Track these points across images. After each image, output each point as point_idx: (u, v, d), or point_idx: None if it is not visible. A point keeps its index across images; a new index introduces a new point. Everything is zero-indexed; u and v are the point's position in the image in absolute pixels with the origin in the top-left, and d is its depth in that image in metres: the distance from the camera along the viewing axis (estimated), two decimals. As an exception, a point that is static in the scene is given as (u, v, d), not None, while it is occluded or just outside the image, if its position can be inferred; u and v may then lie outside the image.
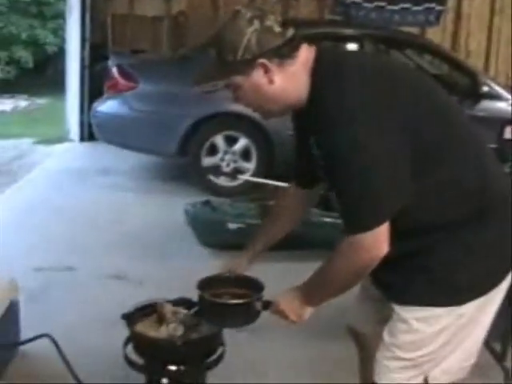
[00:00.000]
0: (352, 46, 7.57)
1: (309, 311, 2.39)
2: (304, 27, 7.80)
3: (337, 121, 2.09)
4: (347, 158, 2.08)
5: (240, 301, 2.49)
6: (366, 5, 9.34)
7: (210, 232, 5.43)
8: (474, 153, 2.30)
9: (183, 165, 7.46)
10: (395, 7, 9.38)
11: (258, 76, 2.18)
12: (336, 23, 8.73)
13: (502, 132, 5.65)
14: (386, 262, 2.24)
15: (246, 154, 7.11)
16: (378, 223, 2.11)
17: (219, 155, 7.08)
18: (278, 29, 2.17)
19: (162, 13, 9.61)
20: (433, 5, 9.45)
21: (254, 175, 6.89)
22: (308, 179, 2.60)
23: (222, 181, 7.13)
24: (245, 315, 2.48)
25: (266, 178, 6.37)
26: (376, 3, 9.33)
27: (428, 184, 2.18)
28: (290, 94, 2.22)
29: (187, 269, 4.82)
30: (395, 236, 2.17)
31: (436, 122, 2.23)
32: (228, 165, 7.10)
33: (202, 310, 2.55)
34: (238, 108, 6.89)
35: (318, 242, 4.82)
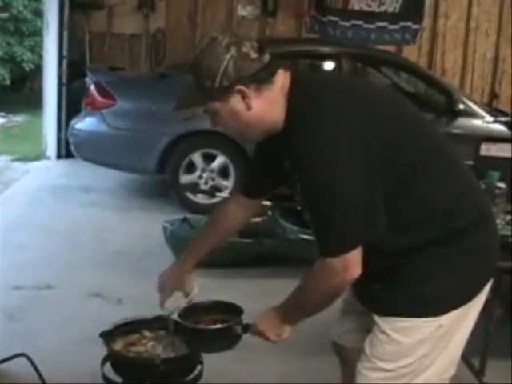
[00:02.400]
0: (329, 64, 7.63)
1: (288, 330, 2.44)
2: (281, 45, 7.85)
3: (310, 152, 2.13)
4: (320, 187, 2.13)
5: (220, 326, 2.53)
6: (343, 23, 9.40)
7: (188, 249, 5.41)
8: (450, 173, 2.34)
9: (161, 182, 7.45)
10: (372, 26, 9.45)
11: (235, 102, 2.22)
12: (313, 41, 8.78)
13: (477, 149, 5.70)
14: (366, 276, 2.28)
15: (224, 172, 7.12)
16: (349, 249, 2.16)
17: (197, 173, 7.09)
18: (254, 55, 2.20)
19: (140, 30, 9.61)
20: (409, 23, 9.54)
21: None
22: (258, 191, 2.66)
23: (200, 198, 7.11)
24: (226, 339, 2.53)
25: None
26: (353, 21, 9.40)
27: (402, 208, 2.24)
28: (267, 119, 2.26)
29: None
30: (372, 253, 2.21)
31: (411, 146, 2.27)
32: (206, 182, 7.10)
33: (184, 338, 2.59)
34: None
35: (295, 258, 4.83)
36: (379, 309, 2.35)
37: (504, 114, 7.64)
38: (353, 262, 2.17)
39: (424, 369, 2.33)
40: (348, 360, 2.68)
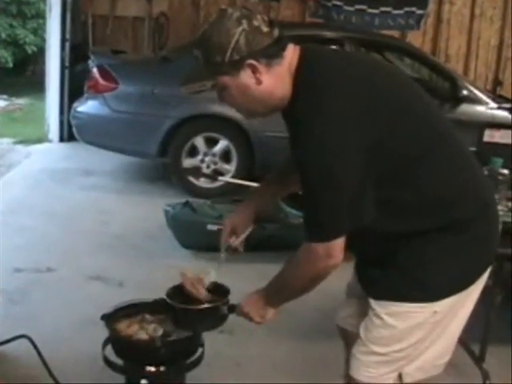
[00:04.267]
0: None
1: (271, 312, 2.48)
2: (285, 29, 7.78)
3: (308, 132, 2.12)
4: (313, 166, 2.13)
5: (207, 305, 2.56)
6: (347, 8, 9.37)
7: (189, 233, 5.41)
8: (455, 162, 2.32)
9: (163, 166, 7.44)
10: (376, 11, 9.42)
11: (245, 76, 2.19)
12: (317, 26, 8.75)
13: (481, 135, 5.70)
14: (367, 259, 2.35)
15: (226, 156, 7.11)
16: (334, 236, 2.18)
17: (199, 157, 7.07)
18: (265, 29, 2.18)
19: (143, 14, 9.59)
20: (413, 9, 9.50)
21: (234, 177, 6.90)
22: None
23: (202, 182, 7.11)
24: (212, 319, 2.58)
25: (246, 179, 6.38)
26: (357, 6, 9.37)
27: (402, 194, 2.23)
28: (275, 95, 2.23)
29: (168, 270, 4.82)
30: (372, 236, 2.24)
31: (414, 133, 2.25)
32: (208, 166, 7.09)
33: (173, 317, 2.62)
34: (219, 109, 6.98)
35: (297, 243, 4.83)
36: (375, 292, 2.36)
37: (508, 100, 7.62)
38: (336, 249, 2.19)
39: (418, 354, 2.34)
40: (351, 343, 2.69)
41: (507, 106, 7.14)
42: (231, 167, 7.10)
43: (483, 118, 6.88)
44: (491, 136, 4.47)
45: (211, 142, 7.09)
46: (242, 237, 2.70)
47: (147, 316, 2.71)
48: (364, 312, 2.43)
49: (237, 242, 2.70)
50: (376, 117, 2.16)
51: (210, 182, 7.08)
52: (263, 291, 2.47)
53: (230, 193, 6.42)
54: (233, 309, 2.54)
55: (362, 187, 2.15)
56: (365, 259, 2.42)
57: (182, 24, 9.38)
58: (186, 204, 5.67)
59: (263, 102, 2.26)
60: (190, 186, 7.05)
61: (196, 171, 7.04)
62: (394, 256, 2.29)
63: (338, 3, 9.38)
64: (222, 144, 7.07)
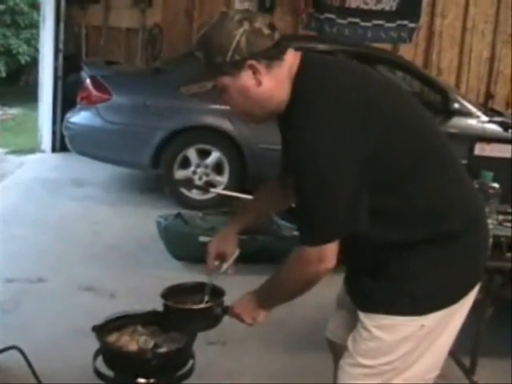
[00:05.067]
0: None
1: (263, 314, 2.50)
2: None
3: (302, 139, 2.14)
4: (306, 174, 2.14)
5: (201, 306, 2.60)
6: (340, 21, 9.40)
7: (181, 245, 5.42)
8: (447, 175, 2.34)
9: (155, 177, 7.45)
10: (368, 24, 9.45)
11: (246, 77, 2.21)
12: (310, 38, 8.78)
13: (472, 148, 5.69)
14: (357, 269, 2.37)
15: (218, 168, 7.12)
16: (326, 240, 2.20)
17: (191, 168, 7.08)
18: (267, 31, 2.19)
19: (137, 25, 9.61)
20: (405, 22, 9.54)
21: (226, 189, 6.91)
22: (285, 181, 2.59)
23: (194, 194, 7.12)
24: (206, 320, 2.60)
25: (238, 191, 6.39)
26: (349, 19, 9.40)
27: (392, 204, 2.25)
28: (273, 98, 2.25)
29: (159, 281, 4.81)
30: (363, 247, 2.26)
31: (407, 144, 2.26)
32: (200, 178, 7.10)
33: (167, 317, 2.64)
34: (211, 121, 6.97)
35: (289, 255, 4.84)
36: (364, 304, 2.36)
37: (499, 114, 7.66)
38: (328, 254, 2.20)
39: (406, 367, 2.33)
40: (339, 356, 2.69)
41: (498, 119, 7.18)
42: (223, 179, 7.11)
43: (474, 131, 6.91)
44: (482, 149, 4.49)
45: (203, 154, 7.10)
46: (230, 261, 2.71)
47: (138, 328, 2.71)
48: (352, 324, 2.43)
49: (225, 267, 2.71)
50: (372, 128, 2.17)
51: (202, 194, 7.09)
52: (255, 294, 2.49)
53: (222, 205, 6.43)
54: (226, 310, 2.57)
55: (357, 196, 2.16)
56: (355, 270, 2.43)
57: (175, 36, 9.39)
58: (178, 215, 5.67)
59: (262, 105, 2.27)
60: (182, 198, 7.05)
61: (188, 183, 7.05)
62: (384, 267, 2.30)
63: (331, 16, 9.41)
64: (215, 156, 7.08)
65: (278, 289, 2.42)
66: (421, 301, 2.28)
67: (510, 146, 4.38)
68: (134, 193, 7.55)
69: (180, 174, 7.09)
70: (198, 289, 2.71)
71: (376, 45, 8.94)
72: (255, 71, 2.19)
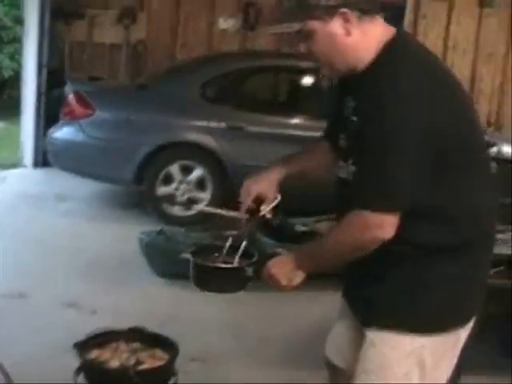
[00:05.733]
0: (310, 79, 7.67)
1: (300, 276, 2.37)
2: (261, 59, 7.90)
3: (389, 101, 2.12)
4: (384, 137, 2.11)
5: (232, 265, 2.51)
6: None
7: (163, 261, 5.40)
8: (487, 180, 2.37)
9: (138, 193, 7.44)
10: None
11: (336, 25, 2.19)
12: (293, 56, 8.80)
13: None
14: (364, 273, 2.32)
15: (201, 184, 7.13)
16: (389, 208, 2.15)
17: (174, 184, 7.08)
18: None
19: (121, 41, 9.62)
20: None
21: (209, 205, 6.91)
22: (334, 140, 2.51)
23: (177, 210, 7.11)
24: (236, 280, 2.52)
25: (221, 208, 6.38)
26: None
27: (426, 197, 2.20)
28: (358, 52, 2.23)
29: (142, 298, 4.82)
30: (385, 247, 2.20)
31: (473, 144, 2.29)
32: (183, 194, 7.10)
33: (195, 276, 2.55)
34: (194, 137, 6.97)
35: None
36: (370, 317, 2.35)
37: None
38: (388, 223, 2.15)
39: None
40: (334, 376, 2.66)
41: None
42: (206, 195, 7.11)
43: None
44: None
45: (186, 170, 7.10)
46: (272, 205, 2.59)
47: (120, 344, 2.71)
48: (354, 342, 2.42)
49: (267, 209, 2.58)
50: (449, 119, 2.18)
51: (185, 210, 7.08)
52: (295, 254, 2.40)
53: (204, 221, 6.43)
54: (258, 271, 2.44)
55: (422, 171, 2.15)
56: (362, 277, 2.37)
57: (159, 52, 9.41)
58: (160, 232, 5.67)
59: (345, 56, 2.24)
60: (165, 214, 7.04)
61: (170, 199, 7.05)
62: (394, 274, 2.29)
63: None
64: (197, 172, 7.09)
65: (327, 250, 2.33)
66: (420, 319, 2.28)
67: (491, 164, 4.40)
68: (117, 208, 7.53)
69: (162, 190, 7.07)
70: (228, 250, 2.60)
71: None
72: (346, 20, 2.18)
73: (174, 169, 7.06)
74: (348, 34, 2.19)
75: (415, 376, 2.30)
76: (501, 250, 3.75)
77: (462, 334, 2.37)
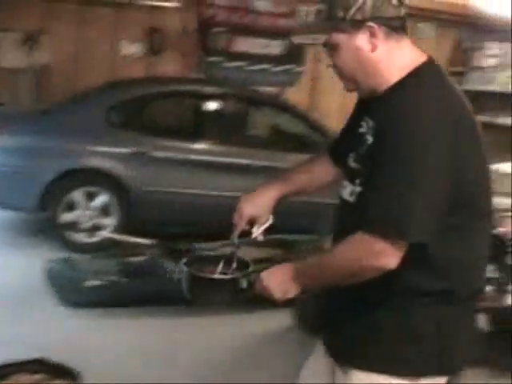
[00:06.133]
0: (213, 104, 7.75)
1: (294, 290, 2.28)
2: (166, 84, 7.93)
3: (413, 125, 2.06)
4: (407, 161, 2.04)
5: (225, 276, 2.45)
6: (227, 64, 9.57)
7: (67, 290, 5.34)
8: (484, 231, 2.31)
9: (42, 220, 7.33)
10: (255, 67, 9.65)
11: (361, 39, 2.17)
12: (198, 81, 8.88)
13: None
14: (345, 316, 2.29)
15: (105, 210, 7.06)
16: (399, 237, 2.05)
17: (78, 211, 6.99)
18: (395, 1, 2.18)
19: (24, 65, 9.46)
20: (291, 66, 9.79)
21: (114, 231, 6.86)
22: (340, 158, 2.45)
23: (82, 237, 7.02)
24: (229, 291, 2.44)
25: (125, 234, 6.36)
26: (237, 63, 9.57)
27: (437, 243, 2.13)
28: (380, 70, 2.20)
29: (46, 328, 4.74)
30: (382, 288, 2.15)
31: (484, 188, 2.25)
32: (87, 221, 7.02)
33: (188, 287, 2.48)
34: (98, 163, 6.92)
35: (177, 298, 4.86)
36: (341, 357, 2.32)
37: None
38: (397, 252, 2.05)
39: None
40: None
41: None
42: (111, 222, 7.05)
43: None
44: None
45: (90, 196, 7.03)
46: (263, 227, 2.54)
47: (22, 376, 2.68)
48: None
49: (258, 232, 2.53)
50: (466, 161, 2.13)
51: (90, 237, 7.01)
52: (293, 265, 2.29)
53: (109, 248, 6.39)
54: (252, 283, 2.37)
55: (441, 203, 2.07)
56: (345, 317, 2.31)
57: (62, 77, 9.31)
58: (65, 260, 5.61)
59: (367, 71, 2.20)
60: (69, 241, 6.95)
61: (74, 226, 6.96)
62: (370, 321, 2.25)
63: (218, 59, 9.57)
64: (102, 198, 7.03)
65: (326, 268, 2.22)
66: (394, 360, 2.23)
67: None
68: (20, 236, 7.37)
69: (66, 216, 6.97)
70: (222, 260, 2.54)
71: (263, 88, 9.12)
72: (373, 35, 2.16)
73: (78, 195, 6.98)
74: (374, 49, 2.17)
75: None
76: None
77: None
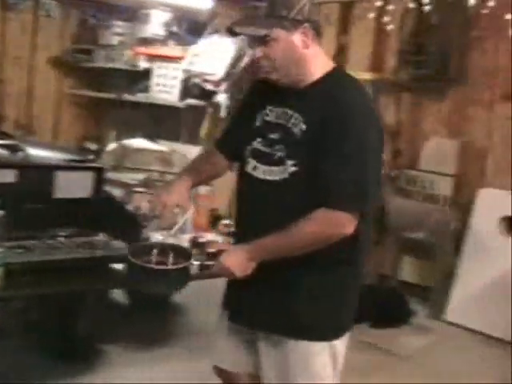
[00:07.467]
0: None
1: (252, 266, 2.62)
2: None
3: (350, 116, 2.54)
4: (357, 144, 2.51)
5: (177, 266, 2.61)
6: None
7: None
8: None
9: None
10: None
11: (298, 37, 2.61)
12: None
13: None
14: (260, 286, 2.66)
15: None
16: (359, 209, 2.52)
17: None
18: (316, 10, 2.66)
19: None
20: None
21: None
22: (234, 151, 2.88)
23: None
24: (180, 280, 2.62)
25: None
26: None
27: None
28: (309, 65, 2.65)
29: None
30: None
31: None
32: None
33: (132, 277, 2.62)
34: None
35: None
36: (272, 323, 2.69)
37: (9, 136, 7.54)
38: (353, 221, 2.51)
39: None
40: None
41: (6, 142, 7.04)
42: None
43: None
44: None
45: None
46: (187, 215, 2.81)
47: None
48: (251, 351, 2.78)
49: (175, 228, 2.80)
50: (382, 144, 2.69)
51: None
52: (249, 247, 2.62)
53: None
54: (205, 267, 2.64)
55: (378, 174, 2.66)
56: (261, 287, 2.67)
57: None
58: None
59: (299, 65, 2.63)
60: None
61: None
62: (300, 284, 2.63)
63: None
64: None
65: (287, 243, 2.55)
66: (334, 323, 2.70)
67: (13, 171, 4.34)
68: None
69: None
70: (157, 249, 2.67)
71: None
72: (306, 35, 2.61)
73: None
74: (306, 47, 2.62)
75: (329, 367, 2.68)
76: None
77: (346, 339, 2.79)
